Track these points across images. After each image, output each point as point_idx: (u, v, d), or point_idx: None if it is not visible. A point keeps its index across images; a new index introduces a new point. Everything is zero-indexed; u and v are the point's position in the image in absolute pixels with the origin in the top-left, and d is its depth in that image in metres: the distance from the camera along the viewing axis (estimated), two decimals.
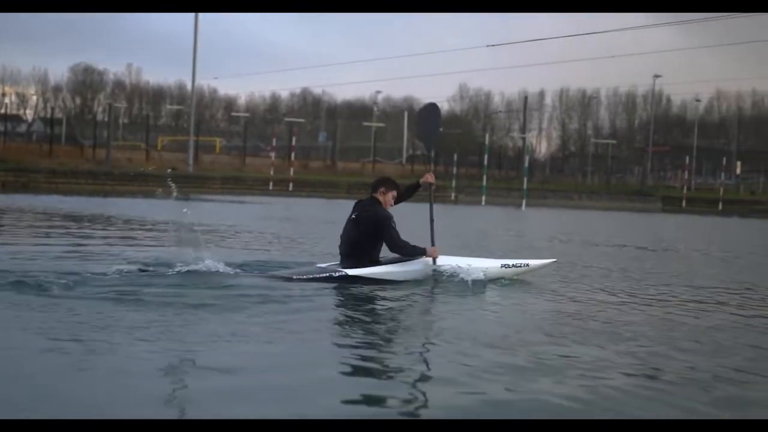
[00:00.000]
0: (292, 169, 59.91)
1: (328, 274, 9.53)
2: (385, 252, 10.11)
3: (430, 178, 10.82)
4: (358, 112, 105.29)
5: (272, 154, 62.81)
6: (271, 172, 58.09)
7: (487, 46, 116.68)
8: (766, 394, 5.51)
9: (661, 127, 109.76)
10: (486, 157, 53.74)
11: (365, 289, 9.23)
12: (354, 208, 10.21)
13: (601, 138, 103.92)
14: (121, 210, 26.29)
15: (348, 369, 5.66)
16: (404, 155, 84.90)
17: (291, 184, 56.84)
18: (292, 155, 63.01)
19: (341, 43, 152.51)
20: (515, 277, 10.56)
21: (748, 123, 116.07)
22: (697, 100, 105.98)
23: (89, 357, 5.56)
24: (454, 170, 59.60)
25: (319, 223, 23.94)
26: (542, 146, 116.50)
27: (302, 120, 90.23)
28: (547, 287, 10.27)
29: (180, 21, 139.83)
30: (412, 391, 5.19)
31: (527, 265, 10.83)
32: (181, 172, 55.19)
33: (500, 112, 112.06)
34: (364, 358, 5.98)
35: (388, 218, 9.85)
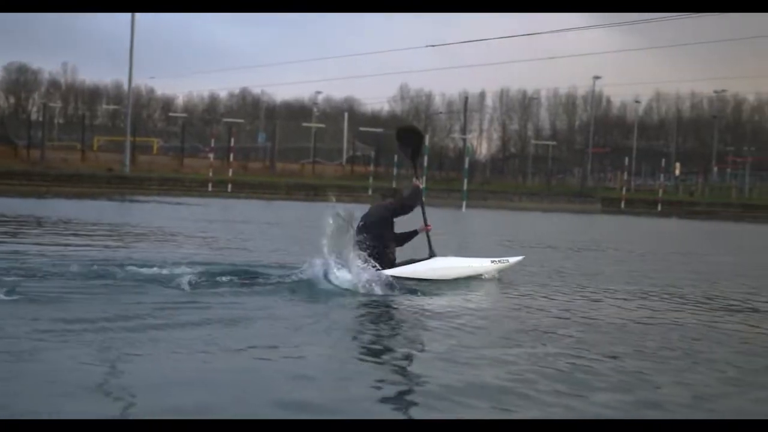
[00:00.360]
0: (230, 170, 59.72)
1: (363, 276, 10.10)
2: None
3: (419, 183, 12.09)
4: (297, 112, 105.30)
5: (211, 155, 62.57)
6: (210, 174, 57.84)
7: (427, 46, 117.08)
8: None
9: (601, 128, 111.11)
10: (426, 158, 54.07)
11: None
12: (366, 215, 11.24)
13: (542, 139, 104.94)
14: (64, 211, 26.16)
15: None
16: (344, 156, 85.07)
17: (230, 186, 56.68)
18: (231, 156, 62.81)
19: (281, 42, 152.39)
20: (496, 273, 12.06)
21: (687, 125, 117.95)
22: (637, 102, 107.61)
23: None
24: (395, 171, 59.88)
25: (264, 224, 24.08)
26: (483, 147, 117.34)
27: (241, 120, 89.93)
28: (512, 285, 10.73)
29: (117, 20, 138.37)
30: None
31: (507, 261, 12.42)
32: (118, 173, 54.96)
33: (441, 113, 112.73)
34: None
35: (388, 208, 11.24)
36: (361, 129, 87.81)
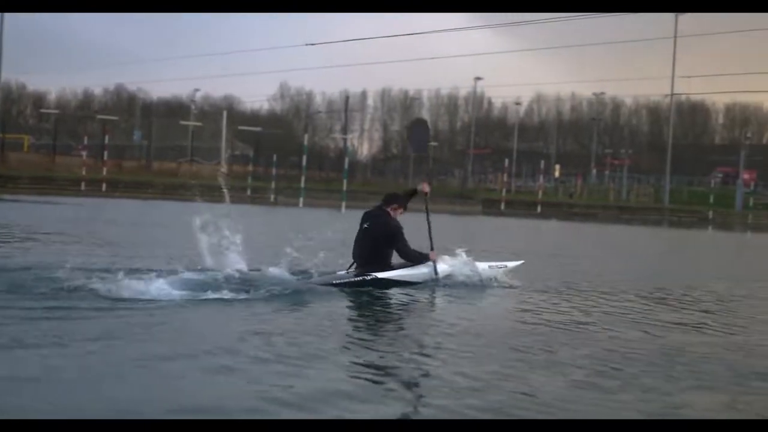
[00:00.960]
0: (105, 169, 58.89)
1: (362, 278, 10.95)
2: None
3: (426, 188, 12.54)
4: (175, 110, 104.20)
5: (84, 153, 61.55)
6: (83, 172, 56.95)
7: (306, 44, 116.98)
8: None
9: (483, 129, 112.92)
10: (305, 157, 54.22)
11: (388, 291, 10.87)
12: (364, 218, 11.76)
13: None
14: None
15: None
16: (223, 155, 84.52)
17: (104, 185, 55.89)
18: (105, 154, 61.90)
19: (159, 39, 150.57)
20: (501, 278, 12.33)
21: (567, 126, 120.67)
22: (518, 104, 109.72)
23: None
24: (273, 171, 59.88)
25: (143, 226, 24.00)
26: (364, 147, 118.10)
27: (116, 118, 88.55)
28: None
29: None
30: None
31: (506, 266, 12.61)
32: None
33: (320, 112, 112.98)
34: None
35: (400, 229, 11.52)
36: (241, 128, 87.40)
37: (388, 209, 11.87)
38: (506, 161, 77.55)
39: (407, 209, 12.18)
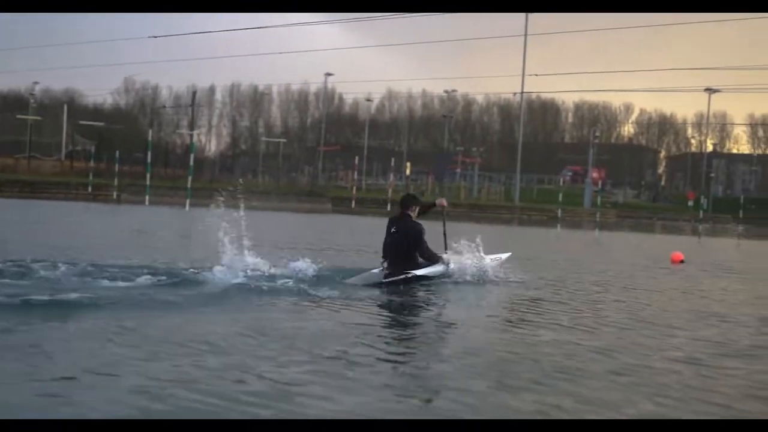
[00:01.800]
0: None
1: (404, 276, 12.42)
2: None
3: (443, 202, 14.23)
4: (12, 103, 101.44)
5: None
6: None
7: (149, 37, 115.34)
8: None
9: (333, 125, 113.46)
10: (150, 154, 53.66)
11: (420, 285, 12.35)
12: (391, 223, 13.16)
13: (273, 136, 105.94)
14: None
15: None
16: (63, 151, 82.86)
17: None
18: None
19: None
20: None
21: (418, 124, 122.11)
22: (369, 100, 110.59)
23: None
24: (117, 168, 59.06)
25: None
26: (212, 144, 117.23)
27: None
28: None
29: None
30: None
31: (500, 257, 14.33)
32: None
33: (165, 107, 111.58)
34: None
35: (422, 233, 12.91)
36: (82, 122, 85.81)
37: (408, 212, 13.14)
38: (356, 159, 78.11)
39: (424, 217, 13.52)
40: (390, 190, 72.22)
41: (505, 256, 14.59)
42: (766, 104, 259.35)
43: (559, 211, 47.95)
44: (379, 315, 9.78)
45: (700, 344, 8.21)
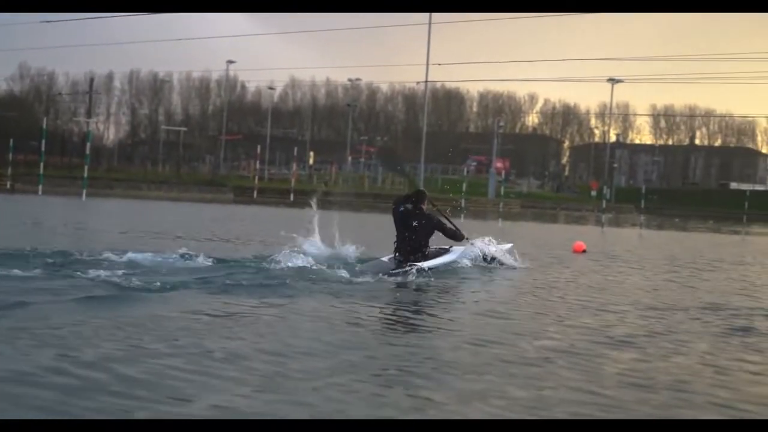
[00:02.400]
0: None
1: (416, 268, 13.09)
2: None
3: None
4: None
5: None
6: None
7: (42, 21, 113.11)
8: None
9: (235, 114, 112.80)
10: (44, 142, 52.66)
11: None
12: (408, 218, 13.87)
13: (173, 124, 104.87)
14: None
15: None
16: None
17: None
18: None
19: None
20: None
21: (322, 113, 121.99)
22: (271, 89, 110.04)
23: None
24: (10, 156, 57.90)
25: None
26: (110, 132, 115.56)
27: None
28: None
29: None
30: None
31: (508, 246, 15.92)
32: None
33: (62, 94, 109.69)
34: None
35: (440, 219, 14.36)
36: None
37: (422, 206, 14.05)
38: (259, 148, 77.76)
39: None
40: (293, 180, 72.01)
41: (507, 246, 15.96)
42: (667, 95, 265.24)
43: (463, 201, 48.27)
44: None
45: (578, 332, 8.40)
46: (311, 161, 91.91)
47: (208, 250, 14.12)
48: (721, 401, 5.83)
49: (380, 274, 12.62)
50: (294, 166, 78.03)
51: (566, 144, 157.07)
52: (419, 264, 13.31)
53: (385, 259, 13.78)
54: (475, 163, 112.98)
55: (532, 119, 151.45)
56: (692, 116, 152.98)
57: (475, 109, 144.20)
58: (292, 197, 65.16)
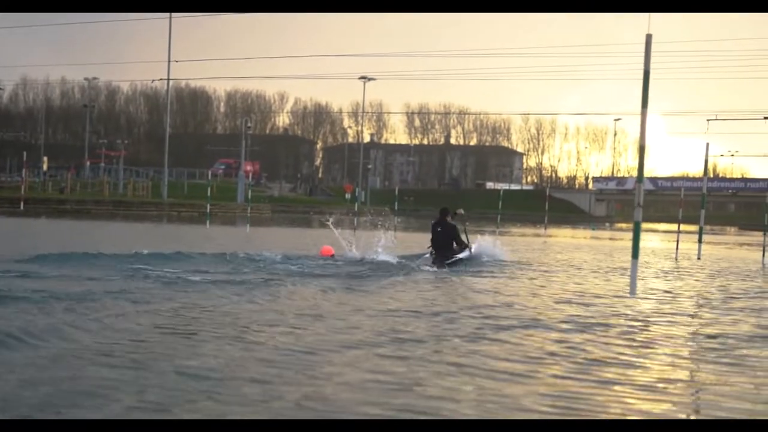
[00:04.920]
0: None
1: (449, 260, 20.27)
2: None
3: (460, 211, 22.99)
4: None
5: None
6: None
7: None
8: None
9: None
10: None
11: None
12: (436, 225, 21.13)
13: None
14: None
15: None
16: None
17: None
18: None
19: None
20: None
21: (57, 114, 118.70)
22: (0, 89, 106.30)
23: None
24: None
25: None
26: None
27: None
28: None
29: None
30: None
31: (500, 250, 23.85)
32: None
33: None
34: None
35: (456, 229, 21.38)
36: None
37: (448, 218, 21.31)
38: None
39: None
40: (23, 188, 69.47)
41: (500, 250, 23.49)
42: (422, 93, 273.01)
43: (208, 207, 47.81)
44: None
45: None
46: (45, 167, 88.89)
47: None
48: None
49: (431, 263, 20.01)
50: (24, 172, 75.09)
51: (319, 145, 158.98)
52: (449, 259, 20.23)
53: (426, 255, 20.89)
54: (223, 167, 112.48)
55: (282, 119, 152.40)
56: (447, 114, 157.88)
57: (222, 109, 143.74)
58: (22, 206, 62.90)
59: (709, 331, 10.48)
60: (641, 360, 8.19)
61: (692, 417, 6.05)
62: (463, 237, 21.60)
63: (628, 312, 12.09)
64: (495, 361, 7.74)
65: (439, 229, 21.05)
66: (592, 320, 10.94)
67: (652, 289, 16.18)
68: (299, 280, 14.86)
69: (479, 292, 14.29)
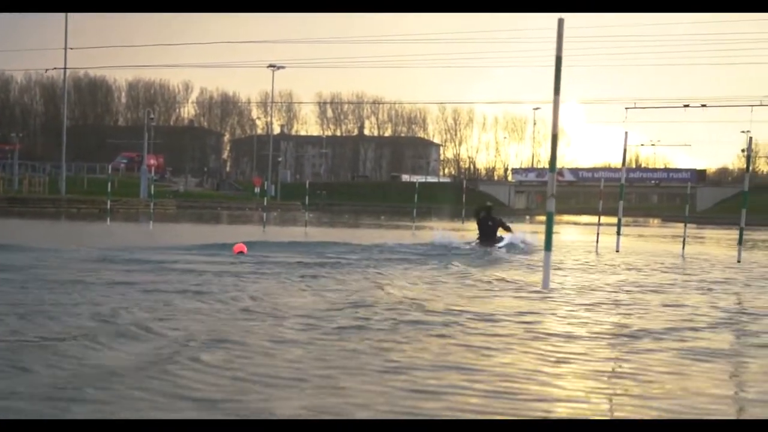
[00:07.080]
0: None
1: (495, 246, 25.51)
2: None
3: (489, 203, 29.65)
4: None
5: None
6: None
7: None
8: None
9: None
10: None
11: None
12: (485, 219, 26.83)
13: None
14: None
15: None
16: None
17: None
18: None
19: None
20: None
21: None
22: None
23: None
24: None
25: None
26: None
27: None
28: None
29: None
30: None
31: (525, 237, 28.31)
32: None
33: None
34: None
35: (503, 220, 27.76)
36: None
37: (492, 213, 27.14)
38: None
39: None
40: None
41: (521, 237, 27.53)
42: (334, 82, 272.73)
43: (109, 203, 47.15)
44: None
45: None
46: None
47: None
48: None
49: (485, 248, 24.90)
50: None
51: (227, 137, 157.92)
52: (496, 244, 25.73)
53: (474, 242, 26.10)
54: (125, 161, 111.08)
55: (188, 110, 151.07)
56: (360, 103, 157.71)
57: (124, 99, 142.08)
58: None
59: (611, 325, 10.39)
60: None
61: (692, 417, 6.01)
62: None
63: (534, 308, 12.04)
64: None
65: (489, 223, 27.19)
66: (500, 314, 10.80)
67: (560, 282, 16.25)
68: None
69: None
